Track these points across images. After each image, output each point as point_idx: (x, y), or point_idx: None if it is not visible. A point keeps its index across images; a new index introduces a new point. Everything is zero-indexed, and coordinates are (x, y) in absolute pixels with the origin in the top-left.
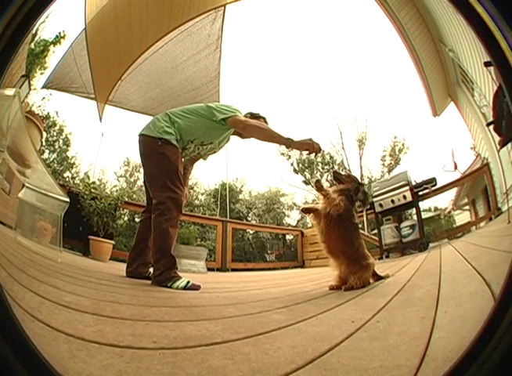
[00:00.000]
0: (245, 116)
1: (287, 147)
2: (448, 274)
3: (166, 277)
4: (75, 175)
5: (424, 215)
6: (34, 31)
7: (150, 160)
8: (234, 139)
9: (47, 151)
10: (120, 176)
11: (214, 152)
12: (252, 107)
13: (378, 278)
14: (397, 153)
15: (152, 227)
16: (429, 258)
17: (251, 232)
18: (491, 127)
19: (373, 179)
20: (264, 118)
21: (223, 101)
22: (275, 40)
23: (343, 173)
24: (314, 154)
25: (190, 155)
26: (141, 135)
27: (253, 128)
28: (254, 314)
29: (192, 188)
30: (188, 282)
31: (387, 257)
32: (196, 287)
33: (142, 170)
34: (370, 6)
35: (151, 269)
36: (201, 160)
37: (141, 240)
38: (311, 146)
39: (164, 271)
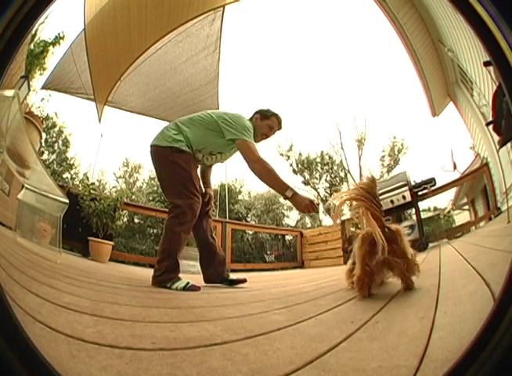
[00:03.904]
0: (255, 117)
1: (284, 199)
2: (448, 274)
3: (166, 278)
4: (74, 176)
5: (424, 215)
6: (33, 32)
7: (164, 169)
8: None
9: (46, 152)
10: (120, 177)
11: (226, 158)
12: (253, 107)
13: None
14: (396, 153)
15: (164, 228)
16: (428, 258)
17: (250, 232)
18: (490, 126)
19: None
20: (275, 115)
21: (222, 102)
22: (274, 40)
23: None
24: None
25: (200, 163)
26: (152, 146)
27: (255, 165)
28: (253, 315)
29: None
30: (187, 283)
31: None
32: (195, 289)
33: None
34: (369, 6)
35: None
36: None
37: (201, 244)
38: (308, 208)
39: (165, 272)
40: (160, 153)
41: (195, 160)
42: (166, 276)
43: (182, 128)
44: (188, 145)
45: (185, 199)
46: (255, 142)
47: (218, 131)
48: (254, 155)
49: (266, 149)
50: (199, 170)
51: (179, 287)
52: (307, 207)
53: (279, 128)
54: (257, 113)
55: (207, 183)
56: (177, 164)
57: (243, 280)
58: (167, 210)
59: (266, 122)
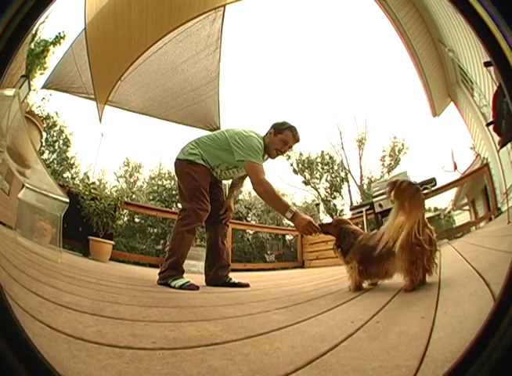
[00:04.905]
0: (269, 133)
1: (287, 219)
2: (448, 274)
3: (168, 275)
4: (75, 176)
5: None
6: (34, 31)
7: (180, 178)
8: None
9: (47, 151)
10: (120, 176)
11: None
12: (253, 107)
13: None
14: (396, 153)
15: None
16: None
17: (251, 232)
18: (490, 127)
19: (372, 179)
20: (290, 128)
21: (223, 102)
22: (274, 40)
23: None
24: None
25: (221, 177)
26: (175, 160)
27: (257, 187)
28: (253, 314)
29: None
30: (187, 282)
31: None
32: (193, 288)
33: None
34: (370, 6)
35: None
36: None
37: (210, 247)
38: (307, 230)
39: (168, 269)
40: (178, 165)
41: (208, 172)
42: (168, 273)
43: (199, 145)
44: (203, 159)
45: (191, 204)
46: (271, 158)
47: (230, 150)
48: (257, 177)
49: None
50: (230, 182)
51: (177, 285)
52: (305, 229)
53: (296, 141)
54: (271, 127)
55: (231, 195)
56: (189, 174)
57: (246, 285)
58: (167, 209)
59: (280, 137)
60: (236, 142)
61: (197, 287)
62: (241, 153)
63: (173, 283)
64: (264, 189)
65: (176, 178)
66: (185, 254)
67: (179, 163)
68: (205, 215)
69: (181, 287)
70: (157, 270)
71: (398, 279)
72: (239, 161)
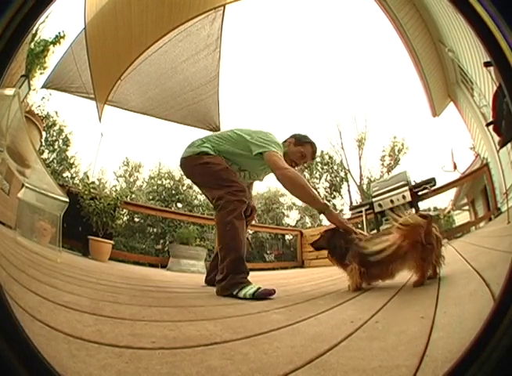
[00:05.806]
0: (288, 141)
1: (319, 213)
2: (448, 274)
3: (231, 283)
4: (74, 175)
5: None
6: (34, 31)
7: (196, 173)
8: None
9: (46, 151)
10: (120, 176)
11: (260, 176)
12: (256, 108)
13: None
14: (396, 153)
15: (215, 226)
16: None
17: (250, 232)
18: (490, 127)
19: (372, 179)
20: (311, 144)
21: (222, 101)
22: (274, 40)
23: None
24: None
25: None
26: (180, 160)
27: (289, 180)
28: (253, 314)
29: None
30: (258, 288)
31: None
32: (265, 294)
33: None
34: (370, 6)
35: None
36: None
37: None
38: (345, 226)
39: (229, 274)
40: (188, 162)
41: (226, 161)
42: (230, 280)
43: (208, 141)
44: (215, 152)
45: (225, 188)
46: None
47: (246, 149)
48: (284, 163)
49: None
50: None
51: (248, 294)
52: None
53: (312, 158)
54: (292, 137)
55: (250, 196)
56: (207, 163)
57: None
58: (167, 209)
59: (299, 149)
60: (257, 136)
61: (272, 292)
62: (261, 144)
63: (242, 293)
64: (293, 175)
65: (189, 177)
66: (244, 246)
67: (189, 160)
68: (244, 195)
69: (253, 296)
70: (157, 270)
71: (399, 279)
72: (258, 154)
